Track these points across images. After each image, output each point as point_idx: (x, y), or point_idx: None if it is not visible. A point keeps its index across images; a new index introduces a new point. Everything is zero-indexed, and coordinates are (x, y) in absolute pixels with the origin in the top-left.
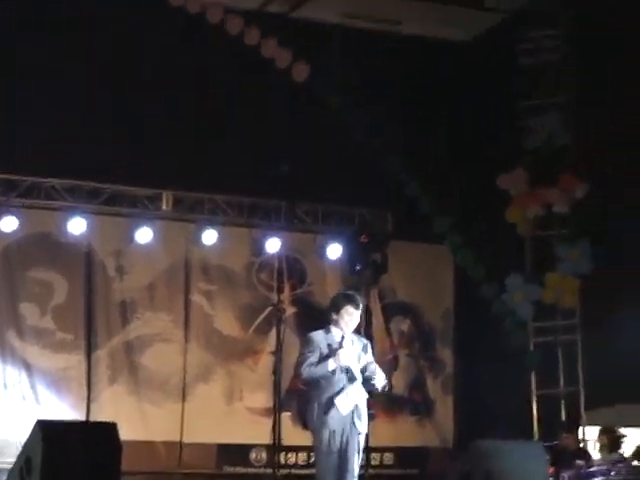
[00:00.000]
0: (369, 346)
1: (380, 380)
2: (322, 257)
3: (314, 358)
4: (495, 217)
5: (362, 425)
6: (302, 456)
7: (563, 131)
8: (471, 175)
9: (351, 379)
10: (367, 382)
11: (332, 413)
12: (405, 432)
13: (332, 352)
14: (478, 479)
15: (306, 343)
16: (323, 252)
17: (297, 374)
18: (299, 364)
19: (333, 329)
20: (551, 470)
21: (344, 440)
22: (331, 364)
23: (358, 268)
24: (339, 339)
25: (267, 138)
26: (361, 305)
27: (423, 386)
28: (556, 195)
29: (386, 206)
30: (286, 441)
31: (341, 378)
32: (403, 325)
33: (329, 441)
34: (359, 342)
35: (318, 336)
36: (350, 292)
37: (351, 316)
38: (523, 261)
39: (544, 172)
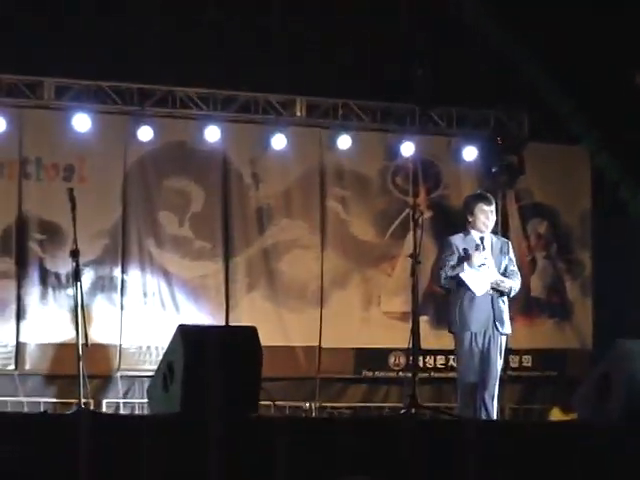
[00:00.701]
0: (510, 245)
1: (508, 284)
2: (457, 160)
3: (454, 261)
4: (634, 114)
5: (504, 326)
6: (440, 359)
7: None
8: (608, 72)
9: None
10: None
11: (473, 315)
12: (544, 335)
13: (468, 255)
14: (620, 379)
15: (444, 247)
16: (458, 155)
17: (437, 278)
18: (440, 268)
19: (472, 231)
20: None
21: (486, 342)
22: (466, 267)
23: (494, 170)
24: (478, 241)
25: (400, 42)
26: (494, 202)
27: (561, 288)
28: None
29: (522, 107)
30: (424, 345)
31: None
32: (540, 227)
33: (471, 343)
34: (498, 242)
35: (456, 239)
36: (479, 191)
37: (485, 214)
38: None
39: None
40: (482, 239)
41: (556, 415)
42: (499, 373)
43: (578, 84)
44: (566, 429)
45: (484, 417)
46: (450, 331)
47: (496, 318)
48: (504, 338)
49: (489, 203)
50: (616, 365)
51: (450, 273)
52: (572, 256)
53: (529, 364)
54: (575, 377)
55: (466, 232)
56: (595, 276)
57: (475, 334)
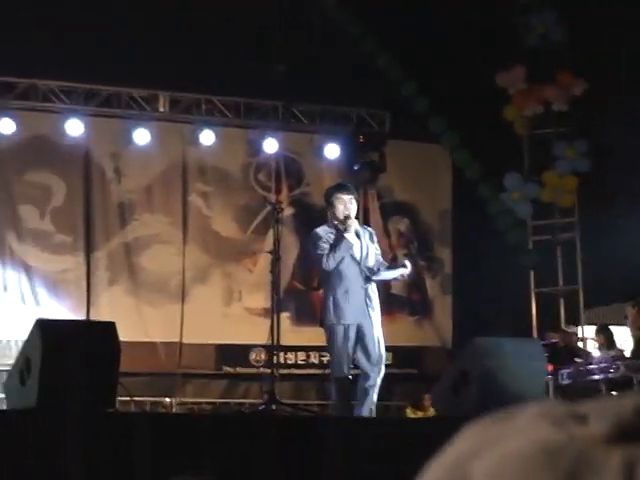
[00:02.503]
0: (374, 235)
1: (398, 271)
2: (319, 157)
3: (328, 249)
4: (493, 116)
5: (376, 315)
6: (301, 356)
7: (559, 27)
8: (468, 74)
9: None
10: (377, 273)
11: (346, 307)
12: (404, 332)
13: (339, 234)
14: (476, 376)
15: (314, 239)
16: (320, 152)
17: (326, 264)
18: (319, 261)
19: (335, 223)
20: (550, 368)
21: (361, 332)
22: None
23: (356, 168)
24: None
25: (263, 38)
26: (352, 191)
27: (422, 286)
28: (554, 92)
29: (384, 105)
30: (284, 341)
31: (353, 271)
32: (401, 225)
33: (345, 336)
34: (365, 230)
35: (322, 231)
36: (338, 182)
37: (344, 202)
38: (521, 160)
39: (542, 69)
40: (345, 218)
41: (408, 414)
42: (381, 364)
43: (439, 83)
44: (423, 425)
45: (366, 412)
46: (321, 325)
47: (368, 308)
48: (378, 327)
49: (346, 192)
50: (472, 362)
51: (337, 256)
52: (432, 254)
53: (389, 361)
54: (434, 374)
55: (330, 224)
56: (454, 274)
57: (348, 326)
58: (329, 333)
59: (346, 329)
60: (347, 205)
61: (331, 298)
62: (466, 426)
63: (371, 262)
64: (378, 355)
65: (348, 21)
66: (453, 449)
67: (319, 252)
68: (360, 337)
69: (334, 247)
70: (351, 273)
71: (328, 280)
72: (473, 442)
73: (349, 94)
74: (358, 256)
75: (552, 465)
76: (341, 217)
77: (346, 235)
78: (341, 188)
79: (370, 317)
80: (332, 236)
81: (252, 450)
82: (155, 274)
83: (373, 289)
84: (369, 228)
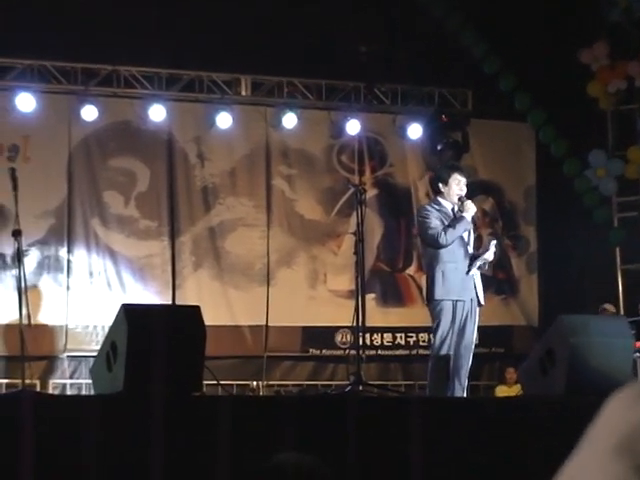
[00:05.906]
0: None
1: (491, 254)
2: (402, 138)
3: (441, 225)
4: (577, 92)
5: (481, 296)
6: (387, 337)
7: None
8: (552, 50)
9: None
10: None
11: (456, 283)
12: (490, 311)
13: (459, 213)
14: (563, 354)
15: (425, 214)
16: (403, 133)
17: (442, 239)
18: (433, 236)
19: (442, 201)
20: (637, 344)
21: (465, 312)
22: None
23: (439, 148)
24: (450, 212)
25: (345, 19)
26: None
27: (507, 265)
28: (638, 68)
29: (466, 84)
30: (370, 323)
31: (461, 251)
32: (485, 204)
33: (453, 312)
34: None
35: (431, 207)
36: (452, 162)
37: (459, 184)
38: (606, 136)
39: (626, 45)
40: (453, 209)
41: (498, 393)
42: (474, 345)
43: (522, 61)
44: (512, 405)
45: (459, 392)
46: (428, 301)
47: (476, 287)
48: (478, 310)
49: (462, 173)
50: (559, 340)
51: (455, 233)
52: (517, 232)
53: (476, 341)
54: (521, 353)
55: (436, 202)
56: (540, 252)
57: (456, 303)
58: (436, 308)
59: (454, 305)
60: (462, 186)
61: (440, 273)
62: (615, 397)
63: (471, 247)
64: (471, 341)
65: (431, 0)
66: (620, 420)
67: (432, 227)
68: (463, 317)
69: (452, 224)
70: (460, 253)
71: (437, 256)
72: None
73: (431, 74)
74: (466, 238)
75: None
76: (454, 197)
77: (465, 215)
78: (458, 169)
79: (478, 299)
80: (442, 214)
81: (339, 431)
82: (240, 257)
83: (478, 275)
84: None
